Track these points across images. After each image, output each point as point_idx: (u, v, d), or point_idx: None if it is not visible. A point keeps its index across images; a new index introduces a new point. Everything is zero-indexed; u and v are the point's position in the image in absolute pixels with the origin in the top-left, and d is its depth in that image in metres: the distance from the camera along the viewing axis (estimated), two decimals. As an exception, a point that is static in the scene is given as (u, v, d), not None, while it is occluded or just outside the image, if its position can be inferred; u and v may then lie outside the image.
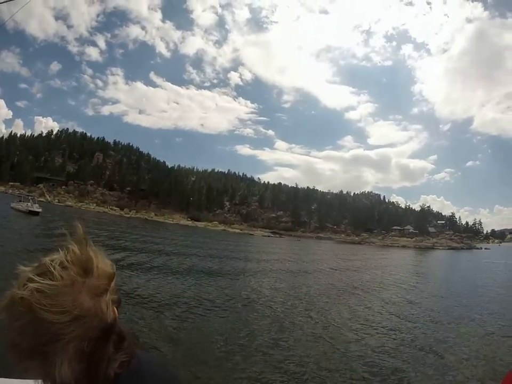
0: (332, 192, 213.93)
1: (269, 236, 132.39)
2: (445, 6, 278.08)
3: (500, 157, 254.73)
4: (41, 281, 0.82)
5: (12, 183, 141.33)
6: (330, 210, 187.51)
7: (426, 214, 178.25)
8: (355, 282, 27.92)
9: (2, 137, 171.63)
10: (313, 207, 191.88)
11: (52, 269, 0.84)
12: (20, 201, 67.16)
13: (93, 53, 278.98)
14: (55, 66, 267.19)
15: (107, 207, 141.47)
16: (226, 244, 60.40)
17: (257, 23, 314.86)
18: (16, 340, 0.82)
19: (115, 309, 0.92)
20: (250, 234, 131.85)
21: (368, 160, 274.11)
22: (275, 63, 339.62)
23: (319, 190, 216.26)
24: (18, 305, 0.82)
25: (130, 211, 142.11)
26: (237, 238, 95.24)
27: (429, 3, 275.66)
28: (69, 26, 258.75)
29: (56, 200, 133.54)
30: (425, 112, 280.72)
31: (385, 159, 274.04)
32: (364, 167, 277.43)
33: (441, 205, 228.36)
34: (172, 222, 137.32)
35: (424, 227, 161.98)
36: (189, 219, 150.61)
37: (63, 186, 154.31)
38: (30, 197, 72.92)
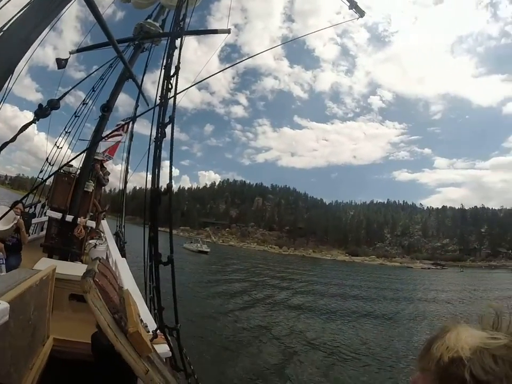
0: (506, 209, 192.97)
1: (429, 268, 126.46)
2: None
3: None
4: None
5: (182, 228, 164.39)
6: (504, 232, 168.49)
7: None
8: None
9: (173, 190, 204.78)
10: (483, 230, 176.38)
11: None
12: (191, 242, 79.53)
13: (238, 111, 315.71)
14: (208, 128, 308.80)
15: (266, 246, 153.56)
16: (366, 279, 58.94)
17: (378, 39, 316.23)
18: None
19: None
20: (409, 267, 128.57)
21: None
22: (411, 75, 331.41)
23: (490, 208, 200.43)
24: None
25: (288, 249, 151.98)
26: (390, 272, 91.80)
27: None
28: (212, 93, 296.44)
29: (221, 241, 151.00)
30: None
31: None
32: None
33: None
34: (328, 258, 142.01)
35: None
36: (347, 254, 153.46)
37: (227, 229, 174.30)
38: (199, 239, 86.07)
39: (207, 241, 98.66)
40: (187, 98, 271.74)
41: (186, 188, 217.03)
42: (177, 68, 3.60)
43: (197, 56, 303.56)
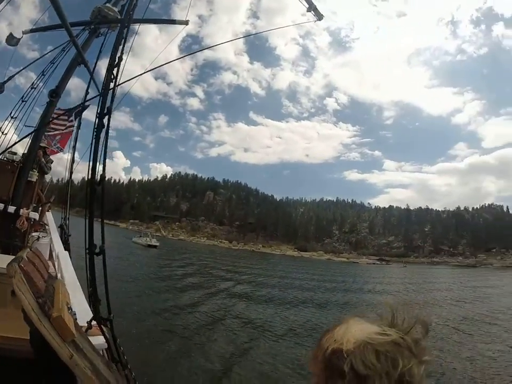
0: (448, 210, 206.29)
1: (374, 263, 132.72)
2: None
3: None
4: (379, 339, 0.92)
5: (132, 221, 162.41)
6: (446, 231, 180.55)
7: None
8: None
9: (123, 182, 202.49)
10: (426, 229, 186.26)
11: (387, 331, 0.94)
12: (140, 236, 78.54)
13: (194, 103, 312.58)
14: (163, 119, 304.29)
15: (216, 241, 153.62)
16: (311, 273, 61.22)
17: (339, 44, 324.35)
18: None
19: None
20: (355, 262, 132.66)
21: (487, 167, 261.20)
22: (368, 80, 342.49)
23: (433, 209, 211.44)
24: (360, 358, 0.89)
25: (238, 243, 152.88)
26: (335, 266, 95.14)
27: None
28: (168, 83, 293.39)
29: (171, 235, 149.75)
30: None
31: (506, 163, 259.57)
32: (482, 176, 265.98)
33: None
34: (278, 253, 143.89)
35: None
36: (296, 249, 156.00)
37: (177, 223, 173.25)
38: (148, 233, 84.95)
39: (156, 235, 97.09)
40: (142, 87, 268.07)
41: (137, 180, 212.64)
42: (120, 59, 3.69)
43: (157, 44, 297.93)
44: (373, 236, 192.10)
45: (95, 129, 3.63)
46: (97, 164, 3.70)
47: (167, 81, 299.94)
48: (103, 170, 3.55)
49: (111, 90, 3.68)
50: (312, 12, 8.59)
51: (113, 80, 3.67)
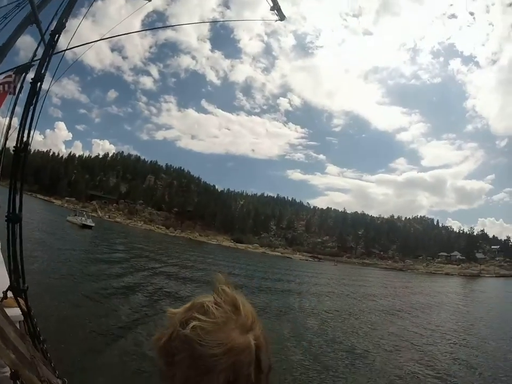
0: (383, 217, 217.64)
1: (306, 260, 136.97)
2: (488, 15, 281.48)
3: None
4: (203, 319, 0.96)
5: (67, 198, 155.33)
6: (378, 236, 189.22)
7: (475, 239, 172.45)
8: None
9: (62, 156, 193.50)
10: (360, 232, 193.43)
11: (210, 308, 0.98)
12: (75, 215, 75.83)
13: (147, 82, 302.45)
14: (112, 94, 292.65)
15: (153, 225, 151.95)
16: (239, 262, 64.62)
17: (303, 48, 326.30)
18: (171, 372, 0.99)
19: (261, 344, 1.03)
20: (288, 257, 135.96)
21: (422, 183, 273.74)
22: (323, 87, 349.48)
23: (369, 215, 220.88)
24: (179, 341, 0.97)
25: (175, 230, 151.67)
26: (267, 259, 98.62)
27: (471, 13, 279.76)
28: (124, 57, 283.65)
29: (107, 216, 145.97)
30: (479, 129, 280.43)
31: (439, 181, 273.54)
32: (417, 191, 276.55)
33: (500, 228, 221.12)
34: (214, 242, 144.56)
35: (471, 253, 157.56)
36: (232, 241, 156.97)
37: (114, 204, 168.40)
38: (84, 212, 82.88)
39: (92, 216, 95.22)
40: (97, 57, 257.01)
41: (77, 155, 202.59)
42: (63, 24, 3.60)
43: (120, 14, 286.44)
44: (308, 234, 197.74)
45: (29, 94, 3.58)
46: (26, 130, 3.61)
47: (123, 54, 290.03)
48: (27, 137, 3.50)
49: (49, 56, 3.65)
50: (275, 11, 8.88)
51: (53, 46, 3.65)
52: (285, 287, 38.99)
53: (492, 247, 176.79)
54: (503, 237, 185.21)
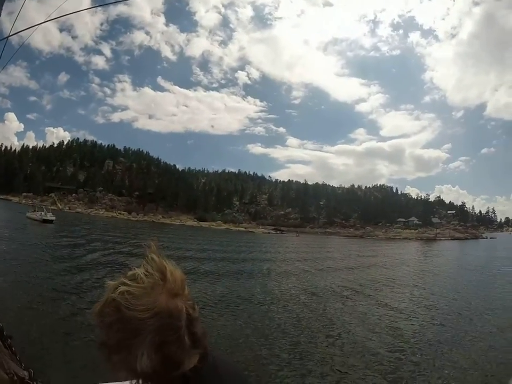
0: (343, 187, 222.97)
1: (269, 233, 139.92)
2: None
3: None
4: (131, 284, 1.05)
5: (25, 194, 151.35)
6: (339, 205, 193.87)
7: (432, 205, 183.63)
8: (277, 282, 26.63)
9: (15, 150, 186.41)
10: (322, 203, 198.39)
11: (140, 275, 1.08)
12: (34, 210, 74.04)
13: (99, 62, 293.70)
14: (63, 77, 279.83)
15: (116, 212, 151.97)
16: (199, 240, 65.69)
17: (261, 20, 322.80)
18: (105, 337, 1.07)
19: (191, 309, 1.13)
20: (251, 231, 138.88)
21: (382, 153, 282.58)
22: (282, 60, 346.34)
23: (330, 185, 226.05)
24: (110, 305, 1.06)
25: (137, 215, 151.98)
26: (230, 235, 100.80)
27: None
28: (74, 37, 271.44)
29: (67, 208, 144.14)
30: (437, 100, 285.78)
31: (398, 151, 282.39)
32: (377, 160, 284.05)
33: (456, 194, 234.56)
34: (178, 223, 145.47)
35: (428, 218, 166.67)
36: (195, 220, 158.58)
37: (74, 194, 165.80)
38: (43, 206, 79.90)
39: (52, 209, 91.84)
40: (45, 39, 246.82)
41: (31, 147, 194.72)
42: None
43: None
44: (271, 207, 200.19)
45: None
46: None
47: (73, 34, 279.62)
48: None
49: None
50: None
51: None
52: (238, 258, 41.22)
53: (448, 212, 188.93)
54: (459, 203, 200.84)
